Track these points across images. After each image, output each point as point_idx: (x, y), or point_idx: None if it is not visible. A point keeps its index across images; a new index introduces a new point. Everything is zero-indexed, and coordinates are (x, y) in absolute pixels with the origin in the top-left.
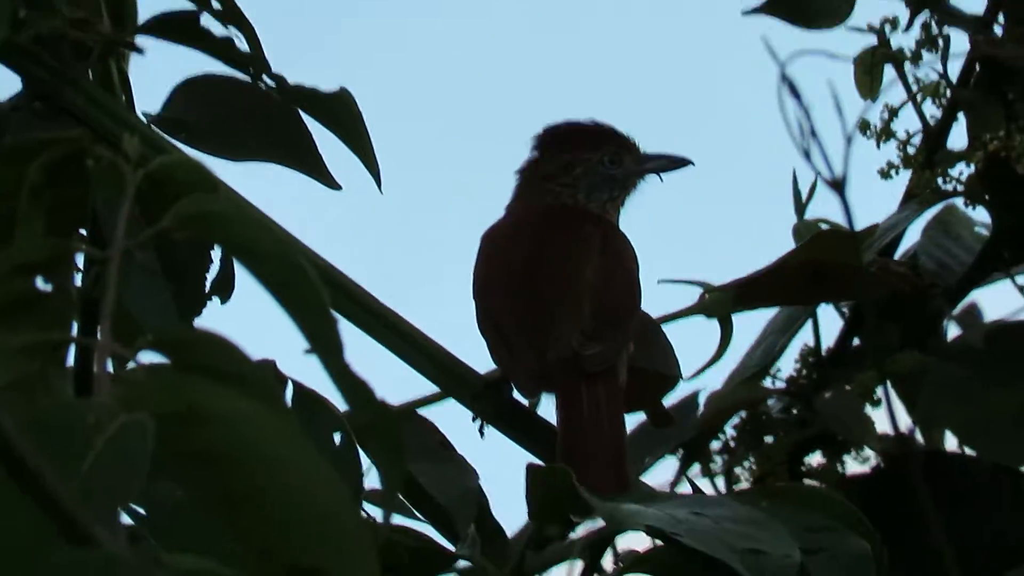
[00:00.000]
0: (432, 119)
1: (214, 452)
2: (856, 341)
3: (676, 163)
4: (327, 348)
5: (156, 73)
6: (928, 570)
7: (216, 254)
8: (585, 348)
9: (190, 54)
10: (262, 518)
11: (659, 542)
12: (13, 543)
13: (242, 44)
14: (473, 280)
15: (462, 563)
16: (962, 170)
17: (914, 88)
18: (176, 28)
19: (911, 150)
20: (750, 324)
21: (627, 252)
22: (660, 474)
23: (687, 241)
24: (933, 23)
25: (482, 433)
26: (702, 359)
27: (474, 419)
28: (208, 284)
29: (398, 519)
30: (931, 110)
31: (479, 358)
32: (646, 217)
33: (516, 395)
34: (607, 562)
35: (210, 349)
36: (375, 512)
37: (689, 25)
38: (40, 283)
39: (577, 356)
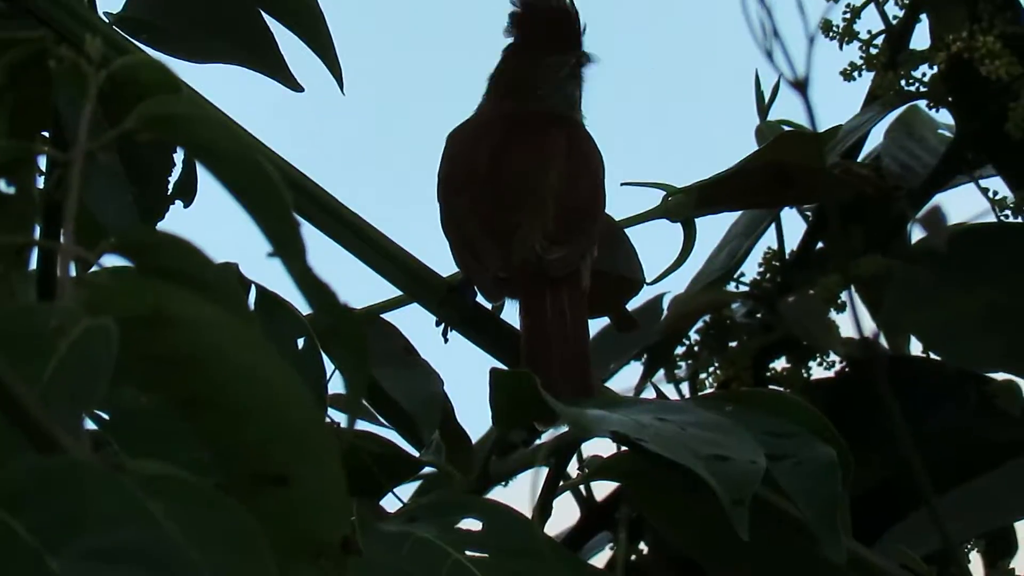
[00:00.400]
0: (397, 16)
1: (178, 356)
2: (820, 244)
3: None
4: (290, 251)
5: None
6: (894, 475)
7: (179, 157)
8: (548, 252)
9: None
10: (225, 423)
11: (624, 448)
12: None
13: None
14: (437, 181)
15: (426, 469)
16: (925, 71)
17: None
18: None
19: (873, 51)
20: (713, 227)
21: (593, 156)
22: (624, 379)
23: (649, 143)
24: None
25: (446, 338)
26: (665, 263)
27: (438, 324)
28: (171, 187)
29: (362, 424)
30: (893, 10)
31: (444, 262)
32: (608, 118)
33: (480, 299)
34: (572, 468)
35: (173, 252)
36: (339, 417)
37: None
38: (2, 185)
39: (540, 260)
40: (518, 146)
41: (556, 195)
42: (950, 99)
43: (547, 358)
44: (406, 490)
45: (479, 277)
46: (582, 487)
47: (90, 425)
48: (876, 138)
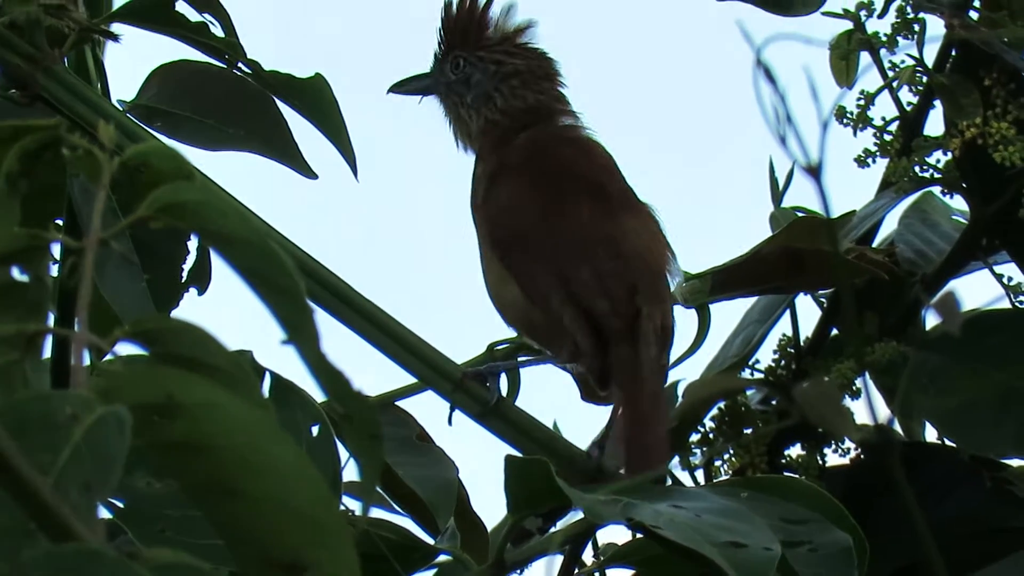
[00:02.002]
0: (408, 104)
1: (192, 443)
2: (834, 331)
3: None
4: (304, 338)
5: (132, 59)
6: (909, 561)
7: (193, 244)
8: (657, 318)
9: (166, 41)
10: (240, 510)
11: (639, 535)
12: None
13: (217, 30)
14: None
15: (441, 556)
16: (939, 157)
17: (890, 74)
18: (151, 14)
19: (888, 137)
20: (728, 313)
21: (641, 203)
22: None
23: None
24: (908, 8)
25: (450, 420)
26: (680, 349)
27: (451, 410)
28: (185, 274)
29: (377, 511)
30: (907, 96)
31: (457, 348)
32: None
33: (502, 386)
34: (587, 555)
35: (187, 339)
36: (354, 504)
37: (665, 10)
38: (16, 273)
39: (652, 329)
40: (598, 207)
41: (654, 264)
42: (964, 185)
43: (647, 439)
44: None
45: (587, 359)
46: (597, 574)
47: (104, 513)
48: (891, 224)
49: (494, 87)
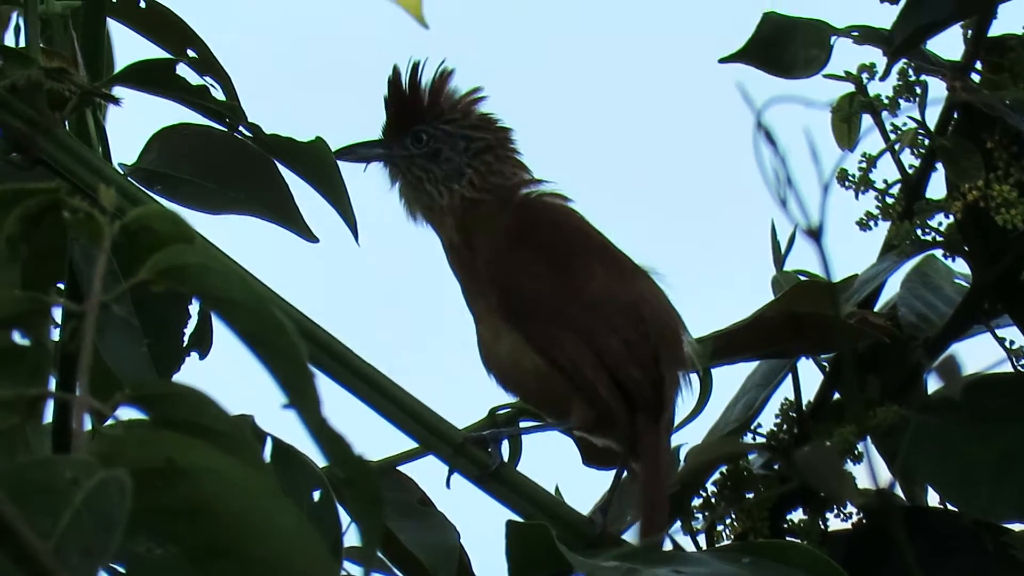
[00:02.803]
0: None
1: (192, 508)
2: (836, 395)
3: None
4: (305, 402)
5: (133, 123)
6: None
7: (194, 308)
8: (677, 385)
9: (167, 104)
10: (240, 574)
11: None
12: None
13: (218, 93)
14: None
15: None
16: (941, 220)
17: (892, 136)
18: (152, 77)
19: (889, 200)
20: (730, 377)
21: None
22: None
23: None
24: (910, 70)
25: (448, 484)
26: (683, 412)
27: (450, 473)
28: (186, 338)
29: None
30: (909, 159)
31: (458, 413)
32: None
33: (503, 451)
34: None
35: (188, 404)
36: (355, 569)
37: (665, 71)
38: (17, 337)
39: (674, 395)
40: (612, 272)
41: (673, 328)
42: (966, 248)
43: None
44: None
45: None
46: None
47: None
48: (893, 287)
49: (466, 163)
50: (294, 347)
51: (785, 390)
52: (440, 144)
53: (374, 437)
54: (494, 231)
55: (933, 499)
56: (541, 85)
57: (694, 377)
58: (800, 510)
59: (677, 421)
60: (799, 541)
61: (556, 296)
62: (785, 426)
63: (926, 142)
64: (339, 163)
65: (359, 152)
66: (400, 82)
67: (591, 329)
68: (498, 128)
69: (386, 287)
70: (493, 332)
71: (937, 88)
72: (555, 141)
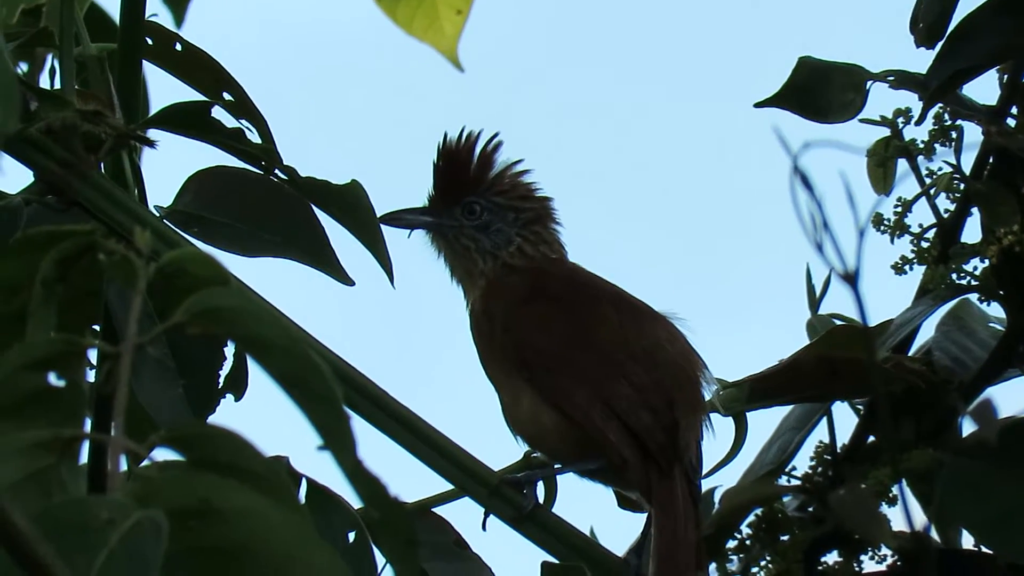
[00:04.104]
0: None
1: (228, 549)
2: (871, 438)
3: None
4: (340, 445)
5: (168, 165)
6: None
7: (229, 350)
8: (696, 429)
9: (202, 147)
10: None
11: None
12: None
13: (254, 136)
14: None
15: None
16: (976, 264)
17: (927, 181)
18: (187, 120)
19: (925, 244)
20: (765, 421)
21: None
22: None
23: (700, 336)
24: (946, 115)
25: (484, 526)
26: (717, 456)
27: (486, 515)
28: (221, 380)
29: None
30: (944, 204)
31: (493, 455)
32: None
33: (538, 493)
34: None
35: (223, 445)
36: None
37: (702, 115)
38: (53, 378)
39: (691, 440)
40: (625, 320)
41: (690, 373)
42: (1001, 292)
43: (679, 552)
44: None
45: (635, 472)
46: None
47: None
48: (928, 331)
49: (515, 233)
50: (329, 389)
51: (820, 433)
52: (491, 216)
53: (409, 479)
54: (512, 296)
55: (968, 542)
56: (576, 128)
57: (727, 421)
58: (835, 552)
59: (711, 464)
60: None
61: (566, 345)
62: (820, 469)
63: (961, 187)
64: (383, 224)
65: (406, 219)
66: (451, 151)
67: (600, 376)
68: (543, 198)
69: (421, 329)
70: (512, 395)
71: (972, 133)
72: (591, 184)
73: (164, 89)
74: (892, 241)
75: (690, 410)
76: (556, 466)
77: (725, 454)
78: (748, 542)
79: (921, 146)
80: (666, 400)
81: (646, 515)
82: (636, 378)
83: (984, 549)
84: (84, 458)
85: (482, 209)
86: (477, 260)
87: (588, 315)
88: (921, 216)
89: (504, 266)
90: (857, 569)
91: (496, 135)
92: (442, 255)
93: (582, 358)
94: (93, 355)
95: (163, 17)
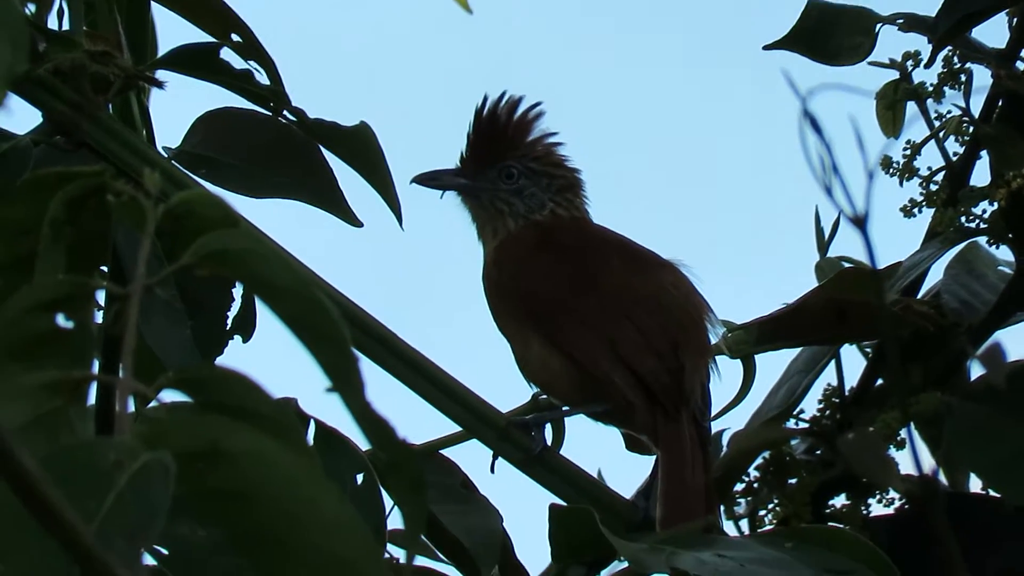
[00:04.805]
0: (454, 151)
1: (236, 491)
2: (879, 381)
3: None
4: (348, 386)
5: (177, 107)
6: None
7: (237, 291)
8: (701, 372)
9: (210, 88)
10: (283, 558)
11: None
12: None
13: (262, 78)
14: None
15: None
16: (985, 208)
17: (936, 124)
18: (196, 62)
19: (933, 187)
20: (773, 364)
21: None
22: None
23: (708, 278)
24: (955, 58)
25: (493, 469)
26: (725, 398)
27: (494, 458)
28: (229, 322)
29: (421, 560)
30: (953, 147)
31: (502, 397)
32: (666, 254)
33: (547, 436)
34: None
35: (231, 387)
36: (398, 553)
37: (711, 59)
38: (61, 320)
39: (697, 382)
40: (630, 266)
41: (695, 316)
42: (1010, 235)
43: (685, 494)
44: None
45: (641, 415)
46: None
47: (148, 560)
48: (936, 274)
49: (550, 198)
50: (338, 331)
51: (828, 376)
52: (526, 181)
53: (417, 421)
54: (521, 246)
55: (976, 486)
56: (582, 72)
57: (735, 364)
58: (842, 496)
59: (719, 408)
60: (841, 527)
61: (571, 291)
62: (828, 412)
63: (970, 130)
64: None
65: (442, 179)
66: (491, 115)
67: (605, 320)
68: (575, 168)
69: (429, 271)
70: (522, 344)
71: (982, 76)
72: (598, 130)
73: (172, 30)
74: (901, 184)
75: (696, 353)
76: (564, 408)
77: (733, 397)
78: (756, 485)
79: (930, 89)
80: (671, 344)
81: (654, 458)
82: (641, 322)
83: (992, 492)
84: (92, 400)
85: (519, 173)
86: (509, 223)
87: (593, 262)
88: (930, 159)
89: (531, 223)
90: (865, 512)
91: (539, 103)
92: (473, 216)
93: (587, 304)
94: (101, 297)
95: None
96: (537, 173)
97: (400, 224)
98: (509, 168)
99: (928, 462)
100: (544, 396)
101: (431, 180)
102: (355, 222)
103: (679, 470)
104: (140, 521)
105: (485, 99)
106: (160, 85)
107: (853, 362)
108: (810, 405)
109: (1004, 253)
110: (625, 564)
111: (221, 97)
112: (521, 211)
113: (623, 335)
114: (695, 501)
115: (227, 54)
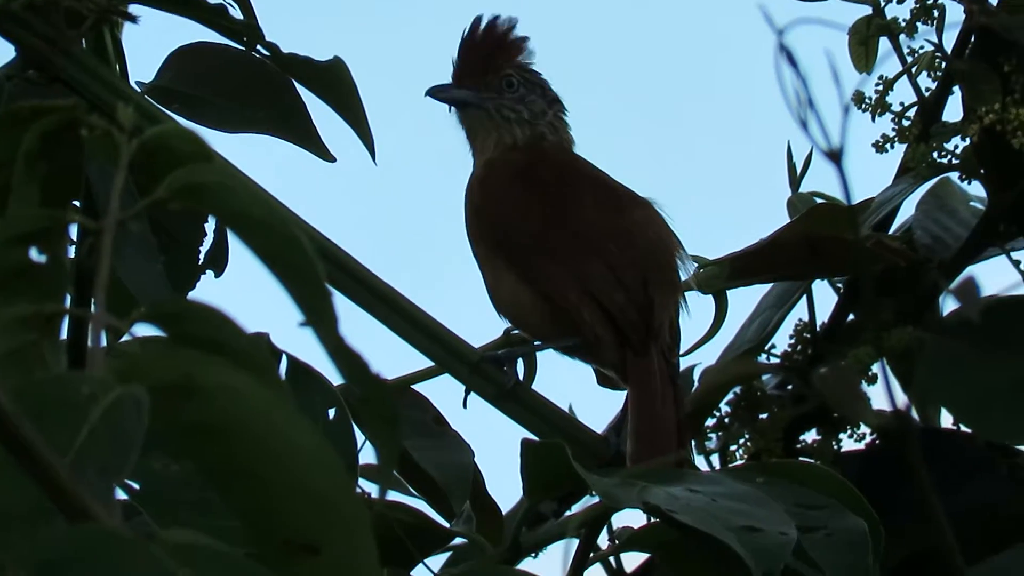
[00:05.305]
0: (427, 84)
1: (208, 425)
2: (851, 316)
3: None
4: (322, 321)
5: (150, 42)
6: (924, 547)
7: (210, 226)
8: (670, 309)
9: (184, 23)
10: (256, 492)
11: (655, 519)
12: (8, 517)
13: (236, 12)
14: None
15: (457, 540)
16: (957, 143)
17: (909, 59)
18: None
19: (906, 123)
20: (744, 299)
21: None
22: None
23: (680, 214)
24: None
25: (465, 404)
26: (697, 334)
27: (467, 393)
28: (202, 256)
29: (393, 495)
30: (926, 82)
31: (475, 333)
32: (639, 189)
33: (519, 371)
34: (603, 540)
35: (204, 322)
36: (370, 487)
37: None
38: (34, 254)
39: (665, 319)
40: (604, 202)
41: (666, 254)
42: (982, 171)
43: (655, 429)
44: (437, 561)
45: (609, 350)
46: (612, 559)
47: (121, 494)
48: (908, 210)
49: (546, 107)
50: (311, 265)
51: (800, 311)
52: (526, 90)
53: (390, 356)
54: (499, 175)
55: (948, 421)
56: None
57: (707, 300)
58: (814, 431)
59: (691, 343)
60: (813, 461)
61: (541, 225)
62: (799, 347)
63: (943, 65)
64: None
65: (453, 93)
66: (485, 29)
67: (575, 254)
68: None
69: (403, 207)
70: (494, 275)
71: (955, 11)
72: (570, 61)
73: None
74: (873, 120)
75: (666, 289)
76: (536, 343)
77: (705, 332)
78: (727, 420)
79: (903, 25)
80: (640, 279)
81: (625, 393)
82: (611, 257)
83: (964, 428)
84: (65, 334)
85: (519, 83)
86: (516, 130)
87: (565, 196)
88: (903, 95)
89: (534, 135)
90: (836, 447)
91: (515, 19)
92: (473, 130)
93: (557, 237)
94: (74, 232)
95: None
96: (533, 83)
97: (373, 159)
98: (509, 77)
99: (900, 397)
100: (516, 331)
101: (442, 92)
102: (328, 157)
103: (648, 405)
104: (114, 455)
105: (479, 17)
106: (134, 19)
107: (825, 297)
108: (782, 340)
109: (976, 189)
110: (597, 499)
111: (195, 32)
112: (526, 117)
113: (592, 270)
114: (665, 436)
115: None
